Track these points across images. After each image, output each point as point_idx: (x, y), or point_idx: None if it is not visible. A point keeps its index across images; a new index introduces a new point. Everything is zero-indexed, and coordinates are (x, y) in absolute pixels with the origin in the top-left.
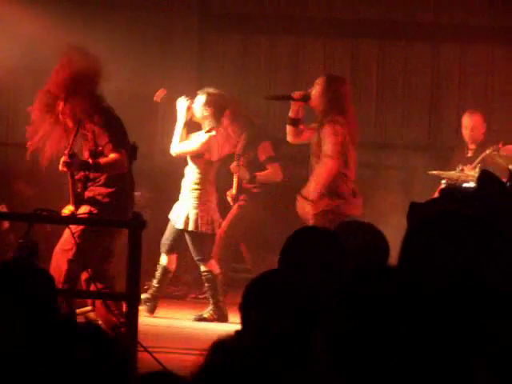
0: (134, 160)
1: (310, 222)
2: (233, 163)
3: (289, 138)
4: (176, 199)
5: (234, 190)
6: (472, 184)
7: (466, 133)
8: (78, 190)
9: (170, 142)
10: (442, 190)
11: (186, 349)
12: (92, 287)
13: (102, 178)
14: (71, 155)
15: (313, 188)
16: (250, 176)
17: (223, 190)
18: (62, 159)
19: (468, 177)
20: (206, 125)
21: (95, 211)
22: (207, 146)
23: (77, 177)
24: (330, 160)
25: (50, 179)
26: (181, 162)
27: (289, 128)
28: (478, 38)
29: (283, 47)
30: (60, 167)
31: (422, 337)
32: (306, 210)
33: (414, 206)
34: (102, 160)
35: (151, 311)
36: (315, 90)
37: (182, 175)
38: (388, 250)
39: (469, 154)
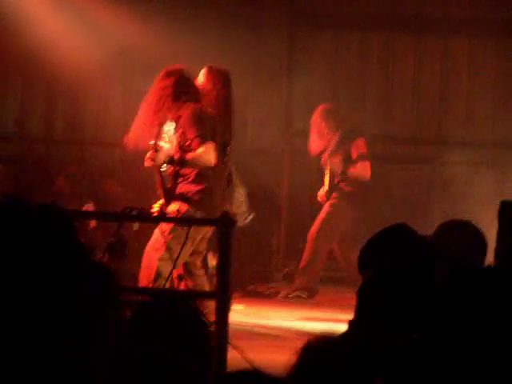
0: (225, 156)
1: None
2: (324, 154)
3: None
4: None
5: (326, 187)
6: None
7: None
8: (168, 186)
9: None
10: None
11: (276, 347)
12: (182, 285)
13: (192, 175)
14: (156, 150)
15: None
16: (342, 168)
17: (315, 189)
18: (148, 155)
19: None
20: None
21: (185, 209)
22: None
23: (167, 172)
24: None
25: (137, 177)
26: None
27: None
28: None
29: (374, 44)
30: (145, 163)
31: None
32: None
33: (505, 204)
34: (189, 155)
35: None
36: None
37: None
38: (486, 249)
39: None
